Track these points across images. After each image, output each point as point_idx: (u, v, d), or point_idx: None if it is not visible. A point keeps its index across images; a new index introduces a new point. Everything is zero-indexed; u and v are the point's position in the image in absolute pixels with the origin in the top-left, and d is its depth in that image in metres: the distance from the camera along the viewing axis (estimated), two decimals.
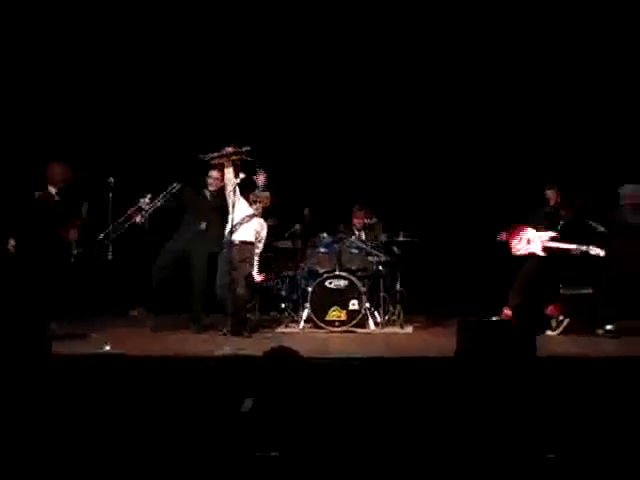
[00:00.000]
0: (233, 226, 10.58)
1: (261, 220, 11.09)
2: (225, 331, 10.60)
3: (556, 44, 12.55)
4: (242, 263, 10.83)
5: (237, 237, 10.78)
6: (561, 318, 10.99)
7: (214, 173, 11.16)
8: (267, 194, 11.12)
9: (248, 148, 10.50)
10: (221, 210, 10.94)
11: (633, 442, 5.68)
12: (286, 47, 12.81)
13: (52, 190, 10.70)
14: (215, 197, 11.26)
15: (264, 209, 11.10)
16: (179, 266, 11.18)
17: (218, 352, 9.49)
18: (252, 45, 12.82)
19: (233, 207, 10.38)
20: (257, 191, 11.14)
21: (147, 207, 10.69)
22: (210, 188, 11.30)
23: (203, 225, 11.19)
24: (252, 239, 10.96)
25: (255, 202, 10.98)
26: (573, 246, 10.90)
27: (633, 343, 10.18)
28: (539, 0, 12.57)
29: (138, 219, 10.61)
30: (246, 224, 10.90)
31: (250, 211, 10.95)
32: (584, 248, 10.84)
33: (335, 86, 12.85)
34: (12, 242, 10.57)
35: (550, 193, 11.30)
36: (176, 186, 10.84)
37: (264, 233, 11.12)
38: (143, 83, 12.85)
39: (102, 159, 11.76)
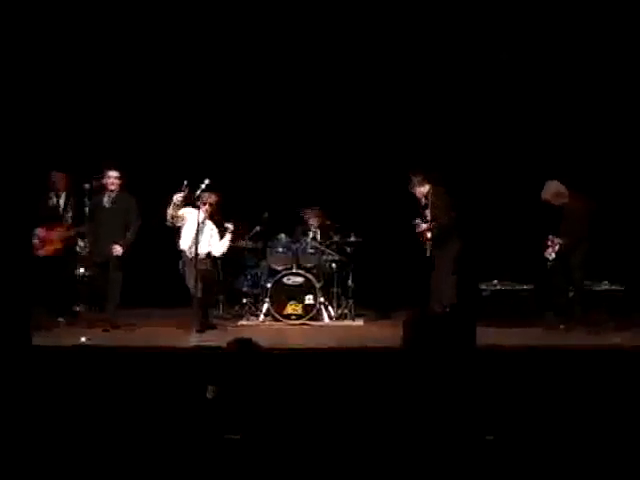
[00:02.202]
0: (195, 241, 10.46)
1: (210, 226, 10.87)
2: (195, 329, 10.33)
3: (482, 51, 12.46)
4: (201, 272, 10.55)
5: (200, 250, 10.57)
6: None
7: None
8: (212, 196, 10.70)
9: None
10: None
11: (565, 424, 5.73)
12: (244, 57, 12.61)
13: (52, 194, 11.05)
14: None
15: (214, 209, 10.81)
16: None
17: (186, 344, 9.47)
18: (213, 55, 12.64)
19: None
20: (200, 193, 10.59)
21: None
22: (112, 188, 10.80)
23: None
24: (206, 250, 10.76)
25: (205, 204, 10.65)
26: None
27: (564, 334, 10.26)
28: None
29: None
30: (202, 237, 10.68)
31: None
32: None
33: (289, 97, 12.71)
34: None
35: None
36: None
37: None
38: (118, 89, 12.64)
39: (77, 165, 11.47)
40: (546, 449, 5.24)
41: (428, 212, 10.82)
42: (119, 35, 12.33)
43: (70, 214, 10.94)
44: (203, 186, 10.39)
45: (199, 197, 10.50)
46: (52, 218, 10.97)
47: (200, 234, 10.52)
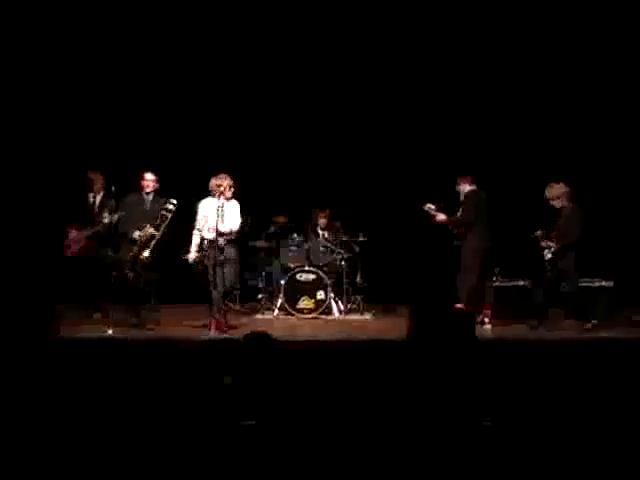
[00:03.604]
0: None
1: (232, 206, 10.05)
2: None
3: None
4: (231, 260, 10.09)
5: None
6: (486, 320, 10.60)
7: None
8: (221, 179, 9.94)
9: None
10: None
11: (559, 411, 5.78)
12: (258, 63, 12.65)
13: (90, 195, 10.98)
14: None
15: (233, 190, 9.98)
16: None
17: (204, 336, 9.53)
18: (228, 63, 12.69)
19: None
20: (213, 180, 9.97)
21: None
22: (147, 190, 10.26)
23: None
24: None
25: (217, 187, 9.88)
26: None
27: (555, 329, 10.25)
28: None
29: None
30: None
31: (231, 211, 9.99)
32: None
33: (299, 102, 12.75)
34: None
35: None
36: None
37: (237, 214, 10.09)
38: (137, 90, 12.66)
39: (105, 167, 11.30)
40: (541, 434, 5.27)
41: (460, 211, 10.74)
42: (136, 43, 12.42)
43: (106, 214, 10.50)
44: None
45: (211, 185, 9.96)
46: (87, 218, 10.84)
47: (219, 217, 9.77)
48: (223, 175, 9.94)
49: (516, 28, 12.32)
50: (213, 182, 9.91)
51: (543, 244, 10.26)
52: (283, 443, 5.02)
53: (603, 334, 9.66)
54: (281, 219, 11.99)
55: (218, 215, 9.73)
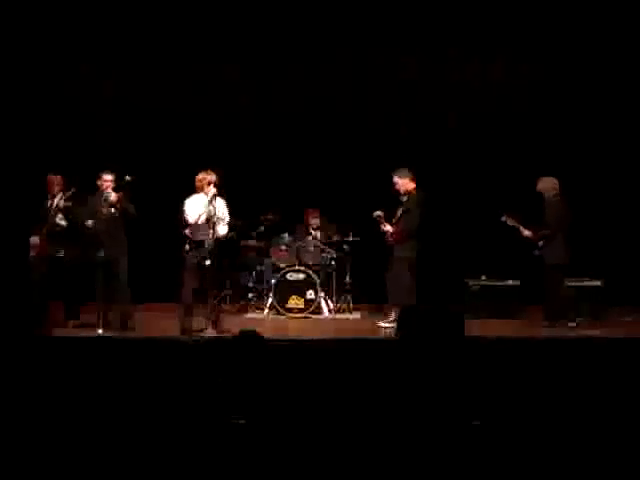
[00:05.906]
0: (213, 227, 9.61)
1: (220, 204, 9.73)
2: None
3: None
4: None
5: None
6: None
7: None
8: (209, 174, 9.65)
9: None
10: None
11: (547, 410, 5.70)
12: (249, 59, 12.58)
13: (49, 197, 10.44)
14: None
15: (216, 186, 9.62)
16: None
17: (196, 335, 9.45)
18: (217, 59, 12.59)
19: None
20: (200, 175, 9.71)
21: None
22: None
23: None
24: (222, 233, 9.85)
25: (208, 185, 9.57)
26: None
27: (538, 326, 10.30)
28: None
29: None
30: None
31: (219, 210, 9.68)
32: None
33: (290, 101, 12.67)
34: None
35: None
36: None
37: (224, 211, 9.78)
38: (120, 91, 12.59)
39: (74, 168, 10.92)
40: (529, 433, 5.20)
41: (400, 211, 10.62)
42: (116, 38, 12.27)
43: (60, 215, 10.18)
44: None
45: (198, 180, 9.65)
46: (41, 220, 10.30)
47: (213, 217, 9.57)
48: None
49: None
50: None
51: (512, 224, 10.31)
52: (273, 442, 4.95)
53: (592, 333, 9.68)
54: (271, 218, 11.87)
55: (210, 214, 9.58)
